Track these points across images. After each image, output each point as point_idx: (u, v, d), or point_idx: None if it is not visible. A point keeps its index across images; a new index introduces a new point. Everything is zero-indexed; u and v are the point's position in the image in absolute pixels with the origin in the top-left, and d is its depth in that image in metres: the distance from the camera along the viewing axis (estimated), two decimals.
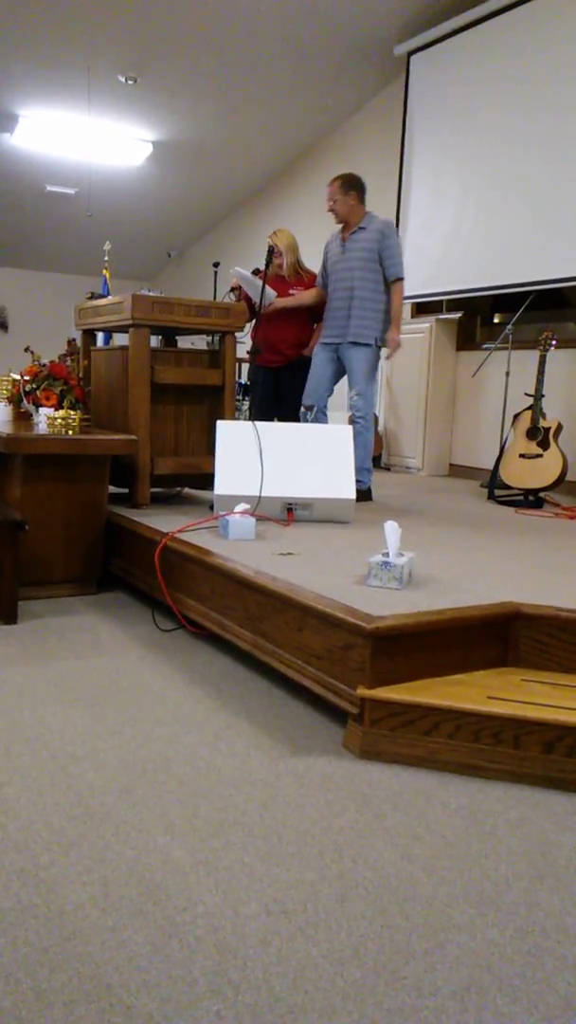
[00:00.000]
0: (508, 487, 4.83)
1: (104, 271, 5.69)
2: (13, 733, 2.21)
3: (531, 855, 1.70)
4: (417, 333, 6.47)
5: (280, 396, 4.93)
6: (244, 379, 7.26)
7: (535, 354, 4.97)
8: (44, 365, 4.00)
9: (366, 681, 2.17)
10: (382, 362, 7.08)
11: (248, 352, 4.56)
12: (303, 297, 4.62)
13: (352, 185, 4.47)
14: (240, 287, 4.76)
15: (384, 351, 4.60)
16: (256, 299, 4.56)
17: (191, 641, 3.03)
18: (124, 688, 2.55)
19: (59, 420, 3.57)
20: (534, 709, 2.07)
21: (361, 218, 4.46)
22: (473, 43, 5.82)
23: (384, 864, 1.65)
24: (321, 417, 4.65)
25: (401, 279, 4.45)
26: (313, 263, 4.93)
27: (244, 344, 5.95)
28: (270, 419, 4.81)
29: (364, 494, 4.46)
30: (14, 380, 4.15)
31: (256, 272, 4.68)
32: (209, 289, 8.40)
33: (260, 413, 4.79)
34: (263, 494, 3.54)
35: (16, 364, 4.70)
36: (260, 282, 4.49)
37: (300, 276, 4.78)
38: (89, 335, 4.55)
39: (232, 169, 8.50)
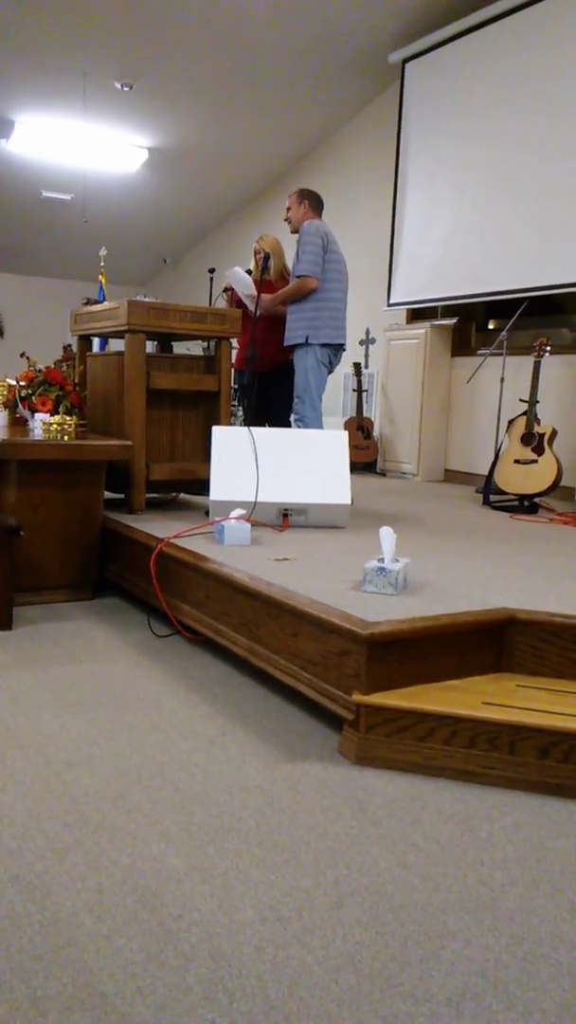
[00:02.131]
0: (503, 493, 4.84)
1: (100, 277, 5.70)
2: (8, 739, 2.20)
3: (526, 861, 1.70)
4: (412, 339, 6.49)
5: (266, 401, 4.95)
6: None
7: (529, 360, 4.99)
8: (40, 370, 4.00)
9: (361, 687, 2.17)
10: (376, 368, 7.12)
11: (246, 358, 4.56)
12: (286, 291, 4.57)
13: (305, 195, 4.60)
14: (231, 289, 4.78)
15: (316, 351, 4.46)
16: (243, 295, 4.57)
17: (186, 647, 3.03)
18: (119, 694, 2.55)
19: (55, 426, 3.57)
20: (529, 715, 2.07)
21: (300, 226, 4.49)
22: (467, 50, 5.85)
23: (379, 870, 1.65)
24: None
25: (301, 276, 4.37)
26: None
27: (233, 350, 5.95)
28: (258, 424, 4.82)
29: None
30: (10, 385, 4.15)
31: (247, 274, 4.71)
32: (204, 295, 8.40)
33: (248, 418, 4.80)
34: (259, 500, 3.55)
35: (12, 370, 4.69)
36: (250, 283, 4.52)
37: (286, 280, 4.80)
38: (85, 341, 4.55)
39: (227, 176, 8.52)
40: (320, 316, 4.40)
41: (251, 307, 4.47)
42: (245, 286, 4.62)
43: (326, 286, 4.40)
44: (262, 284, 4.49)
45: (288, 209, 4.63)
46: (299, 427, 4.47)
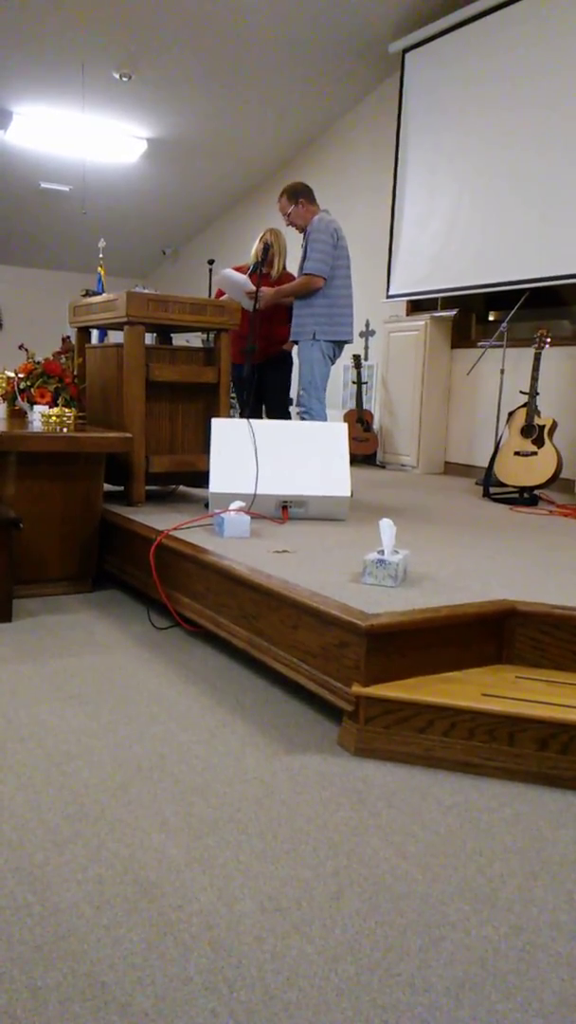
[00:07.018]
0: (503, 485, 4.84)
1: (99, 268, 5.68)
2: (8, 731, 2.20)
3: (525, 852, 1.71)
4: (412, 331, 6.47)
5: (262, 392, 4.94)
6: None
7: (530, 352, 4.98)
8: (38, 363, 3.99)
9: (361, 678, 2.17)
10: (376, 361, 7.11)
11: (244, 351, 4.53)
12: (291, 287, 4.53)
13: (295, 193, 4.48)
14: (224, 294, 4.71)
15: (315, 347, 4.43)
16: (239, 299, 4.50)
17: (186, 639, 3.03)
18: (119, 686, 2.55)
19: (54, 418, 3.56)
20: (528, 706, 2.07)
21: (309, 222, 4.43)
22: (467, 40, 5.82)
23: (379, 861, 1.66)
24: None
25: (308, 275, 4.32)
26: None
27: None
28: (255, 415, 4.80)
29: None
30: (8, 378, 4.14)
31: (254, 270, 4.64)
32: (203, 286, 8.38)
33: (247, 411, 4.79)
34: (258, 492, 3.54)
35: (10, 362, 4.68)
36: (246, 280, 4.46)
37: (283, 280, 4.77)
38: (84, 332, 4.54)
39: (227, 166, 8.48)
40: (330, 314, 4.38)
41: (247, 306, 4.42)
42: (240, 288, 4.53)
43: (336, 283, 4.37)
44: (260, 275, 4.46)
45: (288, 215, 4.51)
46: (305, 420, 4.44)
